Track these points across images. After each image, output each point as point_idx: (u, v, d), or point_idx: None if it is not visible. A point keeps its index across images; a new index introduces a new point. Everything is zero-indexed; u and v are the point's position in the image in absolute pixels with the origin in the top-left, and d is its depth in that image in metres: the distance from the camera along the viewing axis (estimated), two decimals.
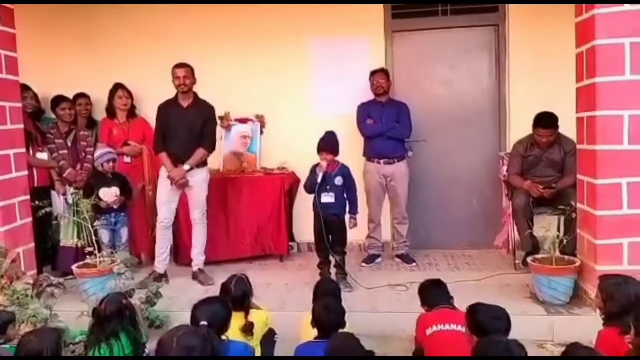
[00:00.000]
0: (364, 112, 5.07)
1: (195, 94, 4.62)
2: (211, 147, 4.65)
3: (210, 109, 4.65)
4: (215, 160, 5.55)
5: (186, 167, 4.51)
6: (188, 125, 4.53)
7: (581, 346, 2.05)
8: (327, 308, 2.82)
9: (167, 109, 4.60)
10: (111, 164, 4.75)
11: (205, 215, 4.74)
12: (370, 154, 5.07)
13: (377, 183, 5.04)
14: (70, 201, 4.76)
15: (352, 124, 5.11)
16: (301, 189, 4.80)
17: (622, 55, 3.48)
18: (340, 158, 4.44)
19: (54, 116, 5.13)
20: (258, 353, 2.92)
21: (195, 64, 4.63)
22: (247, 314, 2.99)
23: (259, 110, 5.60)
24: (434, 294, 3.10)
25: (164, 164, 4.57)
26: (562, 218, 4.37)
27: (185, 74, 4.49)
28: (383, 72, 5.07)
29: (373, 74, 5.06)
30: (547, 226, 4.01)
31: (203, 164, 4.67)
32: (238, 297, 2.99)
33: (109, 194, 4.67)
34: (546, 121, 4.49)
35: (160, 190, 4.65)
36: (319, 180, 4.29)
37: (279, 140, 5.54)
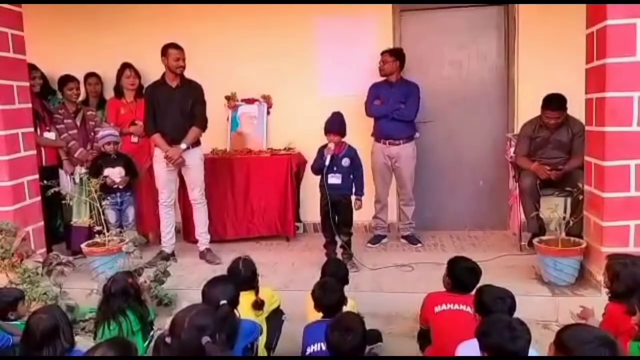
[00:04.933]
0: (374, 92, 5.03)
1: (182, 74, 4.60)
2: (203, 126, 4.65)
3: (198, 88, 4.63)
4: (222, 141, 5.57)
5: (183, 145, 4.52)
6: (178, 105, 4.52)
7: (582, 325, 2.07)
8: (324, 287, 2.85)
9: (156, 90, 4.59)
10: (112, 145, 4.73)
11: (204, 194, 4.77)
12: (377, 134, 5.05)
13: (382, 163, 5.03)
14: (78, 180, 4.79)
15: (358, 104, 5.08)
16: (308, 169, 4.81)
17: (632, 36, 3.44)
18: (347, 138, 4.43)
19: (61, 96, 5.14)
20: (264, 329, 2.97)
21: (202, 44, 4.59)
22: (257, 292, 3.04)
23: (266, 91, 5.59)
24: (465, 277, 2.89)
25: (159, 145, 4.57)
26: (569, 199, 4.38)
27: (184, 55, 4.49)
28: (388, 53, 4.97)
29: (381, 54, 5.01)
30: (553, 207, 4.01)
31: (197, 143, 4.68)
32: (248, 277, 3.03)
33: (114, 174, 4.69)
34: (554, 103, 4.45)
35: (157, 172, 4.68)
36: (327, 162, 4.28)
37: (285, 120, 5.54)
